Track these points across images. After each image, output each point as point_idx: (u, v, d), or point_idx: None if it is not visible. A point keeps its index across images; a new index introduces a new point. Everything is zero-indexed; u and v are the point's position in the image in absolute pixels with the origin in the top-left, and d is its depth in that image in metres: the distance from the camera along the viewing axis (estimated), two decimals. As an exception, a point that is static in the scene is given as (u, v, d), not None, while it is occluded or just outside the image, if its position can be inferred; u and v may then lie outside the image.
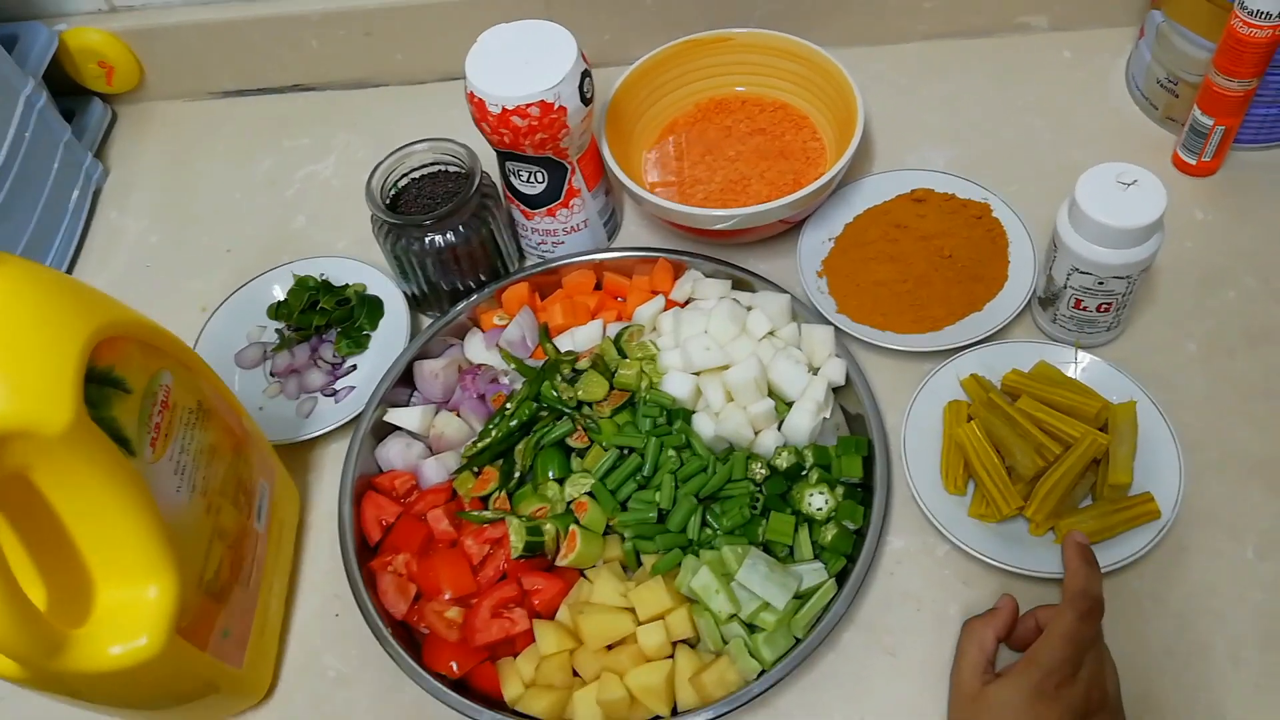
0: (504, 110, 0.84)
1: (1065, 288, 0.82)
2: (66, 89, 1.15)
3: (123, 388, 0.64)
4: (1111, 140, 1.01)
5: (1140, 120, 1.03)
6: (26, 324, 0.58)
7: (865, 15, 1.10)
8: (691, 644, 0.73)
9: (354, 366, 0.93)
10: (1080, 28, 1.10)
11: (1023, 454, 0.77)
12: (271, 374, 0.95)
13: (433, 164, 0.94)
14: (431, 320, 0.94)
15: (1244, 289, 0.90)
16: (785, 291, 0.89)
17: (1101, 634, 0.68)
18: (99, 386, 0.61)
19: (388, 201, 0.92)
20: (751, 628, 0.72)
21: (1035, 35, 1.12)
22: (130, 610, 0.64)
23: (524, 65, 0.85)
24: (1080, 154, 0.99)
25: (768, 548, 0.76)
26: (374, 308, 0.97)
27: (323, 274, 0.99)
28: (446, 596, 0.75)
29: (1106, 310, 0.83)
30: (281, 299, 0.98)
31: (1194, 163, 0.96)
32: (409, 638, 0.76)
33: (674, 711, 0.71)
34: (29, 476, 0.58)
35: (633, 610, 0.72)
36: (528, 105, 0.84)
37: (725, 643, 0.72)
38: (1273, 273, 0.90)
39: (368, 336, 0.96)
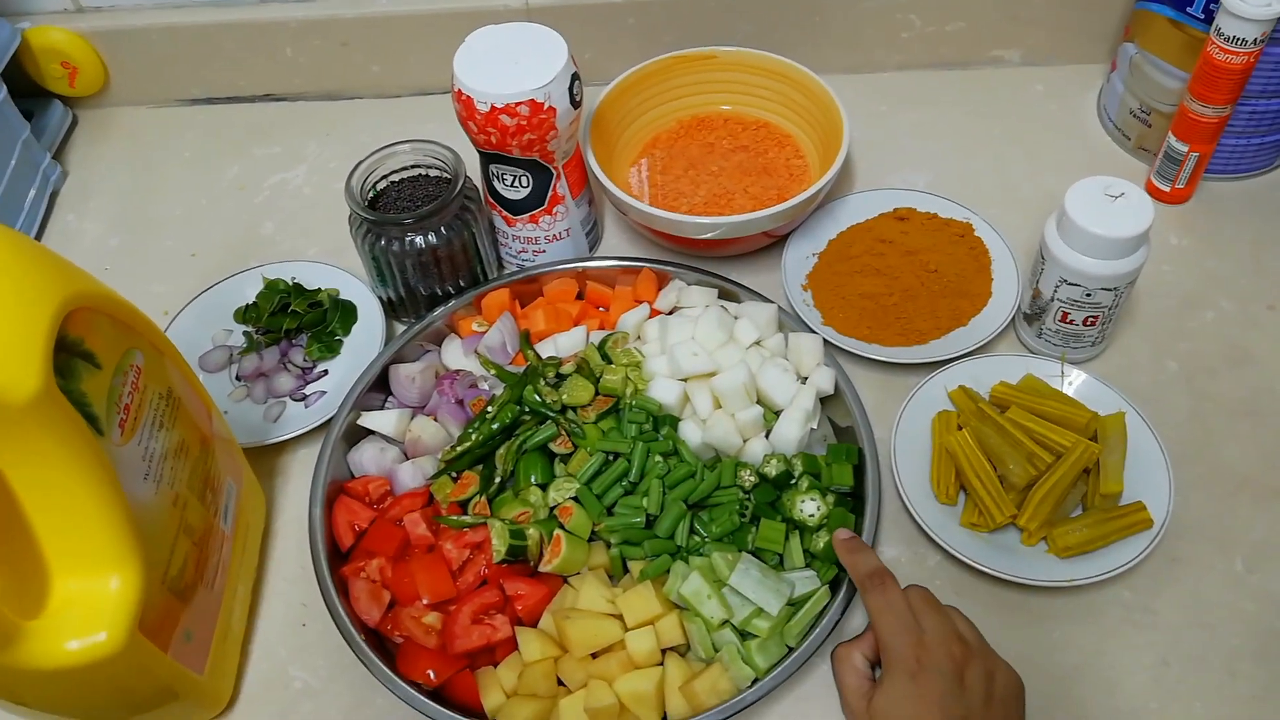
0: (493, 108, 0.83)
1: (1052, 300, 0.83)
2: (26, 89, 1.12)
3: (93, 362, 0.60)
4: (1084, 169, 1.01)
5: (1113, 150, 1.05)
6: (-3, 283, 0.54)
7: (844, 44, 1.11)
8: (680, 652, 0.71)
9: (325, 371, 0.91)
10: (1052, 63, 1.13)
11: (1015, 463, 0.77)
12: (238, 377, 0.92)
13: (413, 166, 0.92)
14: (406, 326, 0.91)
15: (1222, 312, 0.91)
16: (771, 302, 0.88)
17: (927, 595, 0.66)
18: (69, 357, 0.58)
19: (366, 202, 0.90)
20: (744, 635, 0.70)
21: (1008, 69, 1.14)
22: (90, 602, 0.59)
23: (513, 65, 0.84)
24: (1054, 180, 1.01)
25: (758, 555, 0.74)
26: (347, 312, 0.94)
27: (294, 277, 0.96)
28: (424, 602, 0.72)
29: (1093, 324, 0.83)
30: (250, 302, 0.95)
31: (1168, 190, 0.98)
32: (382, 648, 0.73)
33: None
34: (-11, 448, 0.54)
35: (620, 616, 0.70)
36: (517, 104, 0.83)
37: (716, 650, 0.70)
38: (1249, 297, 0.92)
39: (340, 341, 0.93)
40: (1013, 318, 0.87)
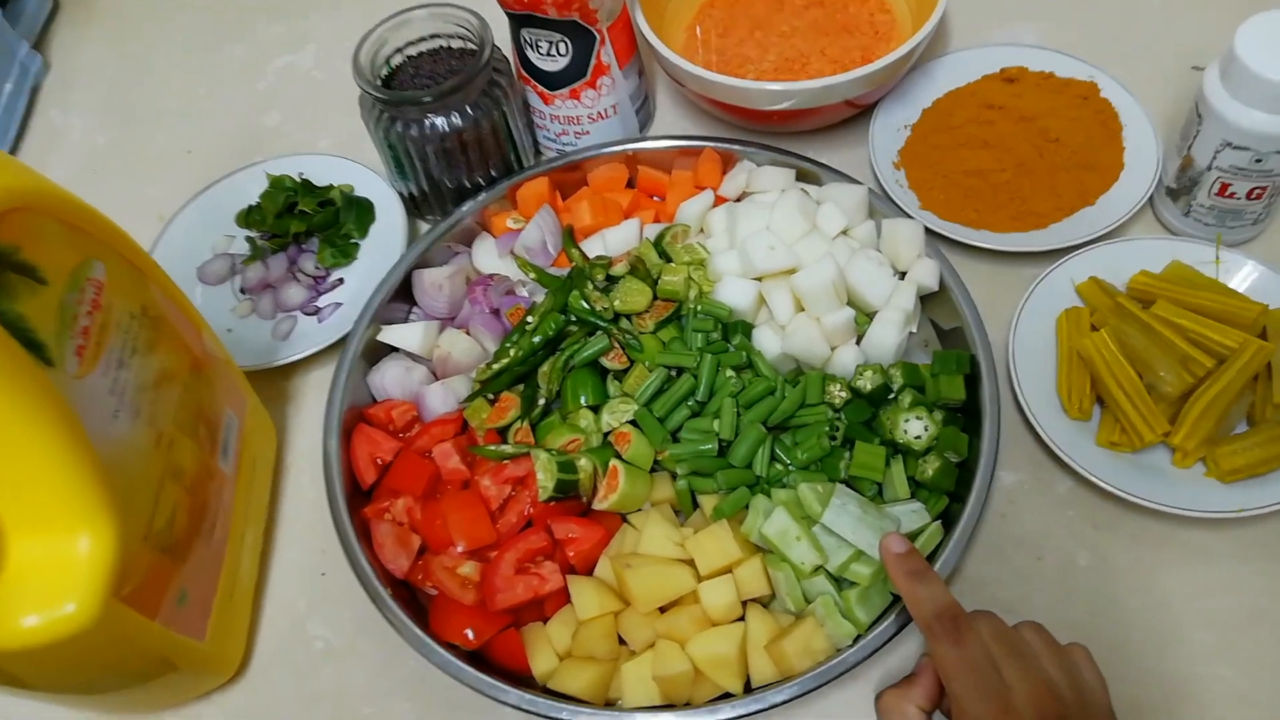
0: (521, -44, 0.69)
1: (1209, 169, 0.68)
2: (-2, -28, 0.99)
3: (34, 276, 0.49)
4: (1247, 7, 0.85)
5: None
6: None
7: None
8: (764, 604, 0.62)
9: (340, 280, 0.82)
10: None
11: (1167, 369, 0.64)
12: (242, 290, 0.82)
13: (432, 37, 0.79)
14: (432, 225, 0.79)
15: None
16: (860, 183, 0.74)
17: (999, 627, 0.52)
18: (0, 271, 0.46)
19: (379, 81, 0.77)
20: (840, 583, 0.61)
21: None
22: (52, 568, 0.50)
23: (544, -98, 0.69)
24: (1203, 25, 0.85)
25: (852, 486, 0.65)
26: (363, 212, 0.83)
27: (302, 173, 0.84)
28: (459, 549, 0.64)
29: (1259, 197, 0.68)
30: (253, 204, 0.84)
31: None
32: (413, 600, 0.65)
33: (747, 687, 0.59)
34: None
35: (691, 563, 0.62)
36: (550, -51, 0.69)
37: (808, 602, 0.61)
38: None
39: (356, 245, 0.83)
40: (1151, 194, 0.75)
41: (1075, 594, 0.63)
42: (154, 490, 0.56)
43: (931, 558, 0.61)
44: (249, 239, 0.83)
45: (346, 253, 0.81)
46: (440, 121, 0.75)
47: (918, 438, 0.64)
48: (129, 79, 0.99)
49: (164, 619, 0.56)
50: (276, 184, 0.83)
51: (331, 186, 0.83)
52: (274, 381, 0.77)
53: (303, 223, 0.81)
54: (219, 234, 0.84)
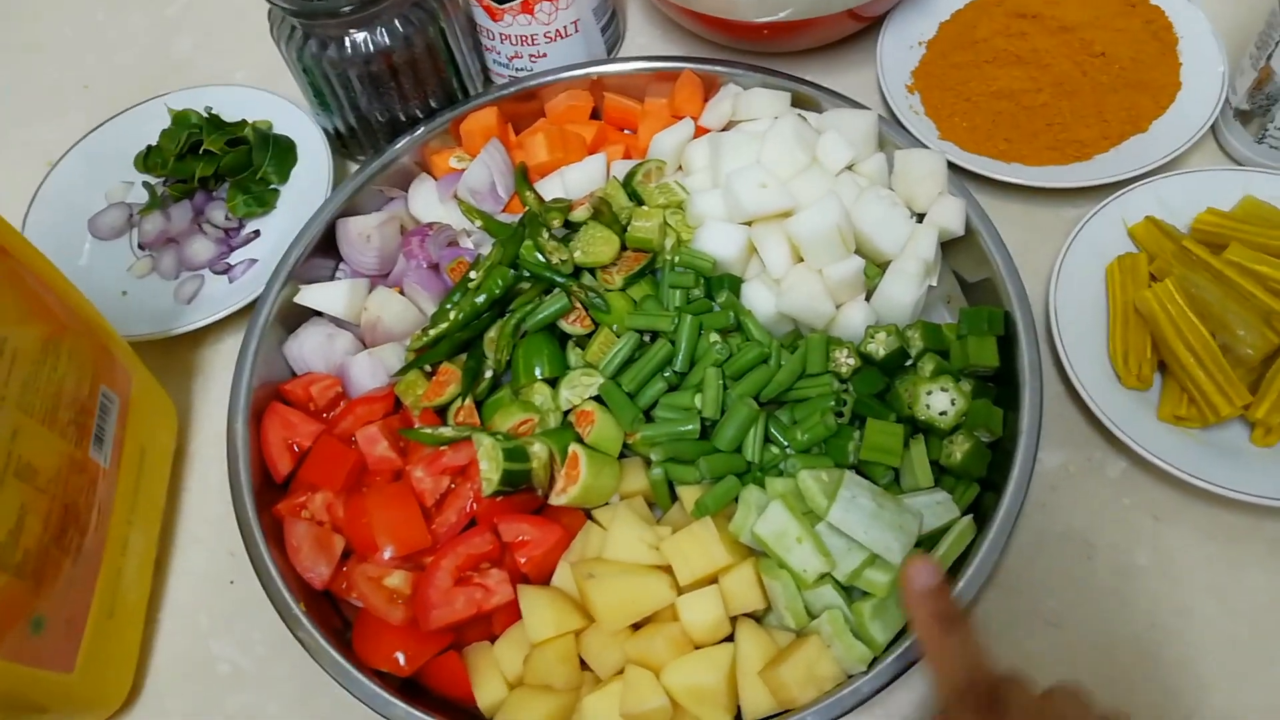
0: None
1: (1292, 84, 0.57)
2: None
3: None
4: None
5: None
6: None
7: None
8: (758, 620, 0.55)
9: (256, 233, 0.74)
10: None
11: (1246, 327, 0.58)
12: (140, 246, 0.73)
13: (356, -61, 0.67)
14: (360, 167, 0.69)
15: None
16: (867, 108, 0.65)
17: (1047, 705, 0.41)
18: None
19: (292, -9, 0.65)
20: (851, 594, 0.54)
21: None
22: None
23: None
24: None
25: (863, 473, 0.57)
26: (283, 152, 0.74)
27: (209, 108, 0.76)
28: (387, 554, 0.56)
29: (1350, 117, 0.57)
30: (153, 144, 0.75)
31: None
32: (337, 614, 0.58)
33: None
34: None
35: (668, 570, 0.54)
36: None
37: (812, 618, 0.53)
38: None
39: (275, 192, 0.74)
40: (1216, 117, 0.68)
41: (1133, 601, 0.55)
42: (-12, 495, 0.45)
43: (962, 560, 0.53)
44: (146, 185, 0.73)
45: (263, 200, 0.73)
46: (363, 39, 0.66)
47: (942, 413, 0.57)
48: (14, 3, 0.91)
49: (10, 653, 0.48)
50: (180, 120, 0.75)
51: (244, 122, 0.73)
52: (176, 353, 0.69)
53: (209, 165, 0.73)
54: (115, 180, 0.75)
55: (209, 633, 0.59)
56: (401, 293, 0.66)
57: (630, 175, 0.67)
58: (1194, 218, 0.63)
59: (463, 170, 0.70)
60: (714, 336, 0.60)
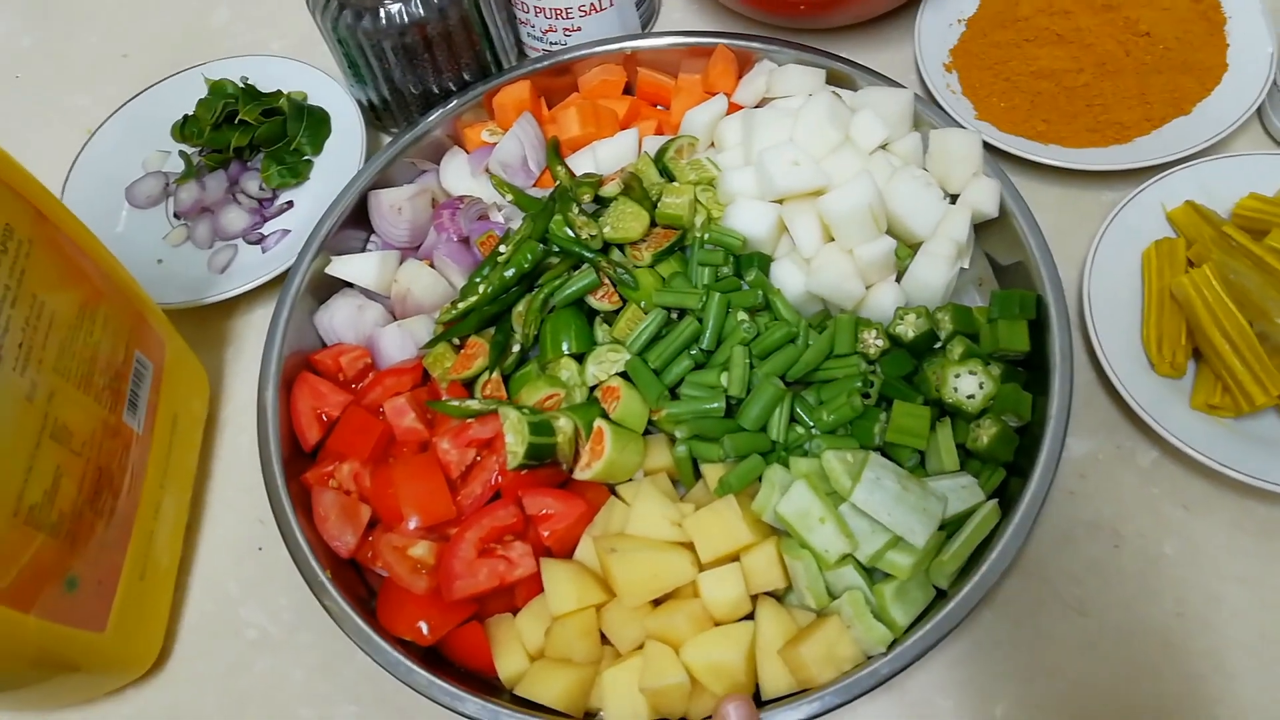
0: None
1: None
2: None
3: None
4: None
5: None
6: None
7: None
8: (778, 599, 0.55)
9: (290, 204, 0.74)
10: None
11: None
12: (176, 215, 0.73)
13: (393, -89, 0.67)
14: (393, 139, 0.69)
15: None
16: (903, 87, 0.64)
17: None
18: None
19: (328, -38, 0.65)
20: (873, 575, 0.53)
21: None
22: None
23: None
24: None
25: (888, 455, 0.56)
26: (317, 123, 0.74)
27: (246, 78, 0.76)
28: (412, 525, 0.56)
29: (1402, 101, 0.56)
30: (190, 113, 0.75)
31: None
32: (362, 583, 0.58)
33: (757, 698, 0.51)
34: None
35: (690, 547, 0.54)
36: None
37: (833, 598, 0.53)
38: None
39: (309, 163, 0.74)
40: (1263, 99, 0.67)
41: (1160, 591, 0.55)
42: (26, 456, 0.47)
43: (985, 545, 0.52)
44: (183, 154, 0.73)
45: (296, 171, 0.73)
46: (397, 10, 0.66)
47: (970, 397, 0.56)
48: (59, -29, 0.92)
49: (44, 610, 0.48)
50: (216, 90, 0.75)
51: (280, 93, 0.73)
52: (209, 321, 0.69)
53: (245, 135, 0.73)
54: (152, 149, 0.76)
55: (237, 598, 0.60)
56: (431, 265, 0.66)
57: (662, 151, 0.66)
58: (1235, 203, 0.61)
59: (494, 144, 0.69)
60: (742, 315, 0.59)
